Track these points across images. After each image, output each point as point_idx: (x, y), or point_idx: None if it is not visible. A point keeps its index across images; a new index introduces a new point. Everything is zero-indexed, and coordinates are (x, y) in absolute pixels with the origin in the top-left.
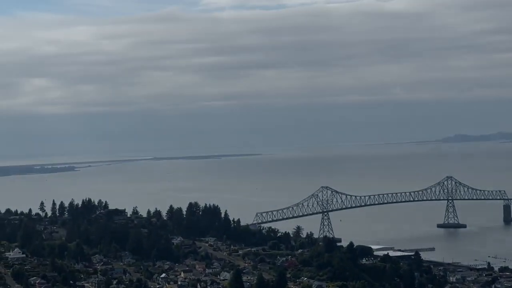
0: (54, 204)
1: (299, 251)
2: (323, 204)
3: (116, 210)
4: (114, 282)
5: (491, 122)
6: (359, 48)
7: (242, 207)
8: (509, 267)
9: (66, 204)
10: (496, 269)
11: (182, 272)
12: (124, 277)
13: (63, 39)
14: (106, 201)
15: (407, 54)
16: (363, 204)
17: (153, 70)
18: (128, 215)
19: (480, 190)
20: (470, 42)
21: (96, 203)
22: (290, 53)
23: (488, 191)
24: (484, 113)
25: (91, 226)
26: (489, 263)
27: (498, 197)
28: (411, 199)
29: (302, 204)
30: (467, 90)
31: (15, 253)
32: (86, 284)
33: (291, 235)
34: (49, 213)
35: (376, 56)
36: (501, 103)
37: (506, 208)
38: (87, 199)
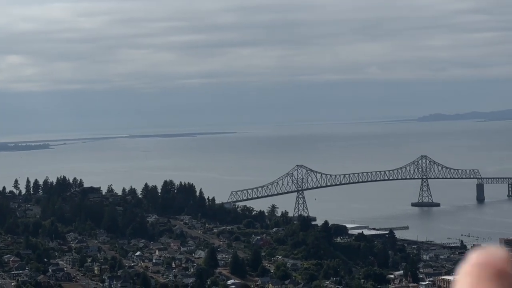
0: (28, 181)
1: (274, 229)
2: (298, 183)
3: (91, 188)
4: (89, 260)
5: (466, 101)
6: (336, 27)
7: (217, 185)
8: (481, 245)
9: (41, 182)
10: (468, 247)
11: (157, 250)
12: (98, 254)
13: (39, 16)
14: (81, 179)
15: (383, 33)
16: (338, 183)
17: (129, 48)
18: (103, 193)
19: (454, 169)
20: (446, 21)
21: (71, 181)
22: (266, 32)
23: (462, 170)
24: (460, 92)
25: (66, 204)
26: (462, 241)
27: (472, 176)
28: (386, 178)
29: (277, 182)
30: (442, 69)
31: None
32: (60, 262)
33: (266, 214)
34: (23, 191)
35: (353, 35)
36: (476, 83)
37: (479, 187)
38: (62, 177)
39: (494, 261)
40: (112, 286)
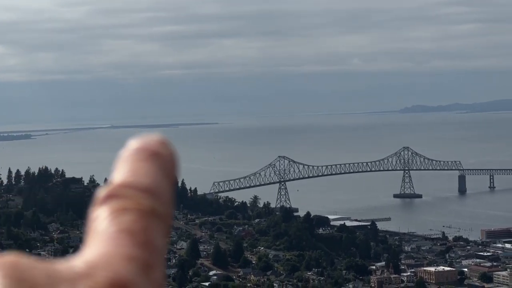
0: (10, 172)
1: (256, 220)
2: (280, 174)
3: (73, 178)
4: (71, 250)
5: (448, 93)
6: (318, 18)
7: (199, 176)
8: (463, 236)
9: (22, 172)
10: (450, 238)
11: None
12: (81, 245)
13: (21, 6)
14: (62, 170)
15: (366, 25)
16: (320, 174)
17: (112, 39)
18: (85, 184)
19: (436, 161)
20: (429, 13)
21: (52, 171)
22: (249, 23)
23: (444, 161)
24: (442, 84)
25: (48, 194)
26: (443, 233)
27: (454, 168)
28: (368, 169)
29: (259, 173)
30: (425, 61)
31: None
32: (42, 253)
33: (248, 205)
34: (5, 181)
35: (335, 26)
36: (459, 75)
37: (461, 178)
38: (44, 167)
39: (149, 145)
40: None
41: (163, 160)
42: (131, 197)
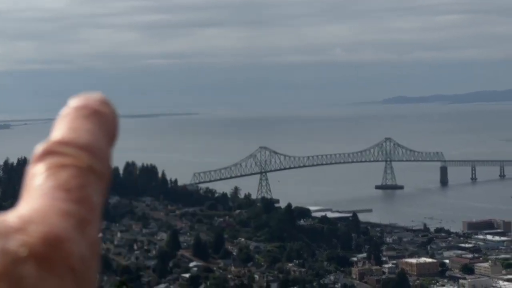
0: None
1: (237, 212)
2: (261, 165)
3: None
4: None
5: (430, 84)
6: (301, 8)
7: (179, 166)
8: (445, 228)
9: (1, 162)
10: (432, 230)
11: (118, 232)
12: None
13: None
14: None
15: (348, 15)
16: (301, 165)
17: (93, 28)
18: None
19: (418, 152)
20: (411, 3)
21: None
22: (231, 12)
23: (426, 152)
24: (424, 75)
25: None
26: (425, 224)
27: (436, 159)
28: (350, 160)
29: (240, 164)
30: (407, 52)
31: None
32: None
33: (229, 196)
34: None
35: (318, 16)
36: (441, 66)
37: (443, 169)
38: (23, 157)
39: (89, 103)
40: None
41: (103, 118)
42: (69, 154)
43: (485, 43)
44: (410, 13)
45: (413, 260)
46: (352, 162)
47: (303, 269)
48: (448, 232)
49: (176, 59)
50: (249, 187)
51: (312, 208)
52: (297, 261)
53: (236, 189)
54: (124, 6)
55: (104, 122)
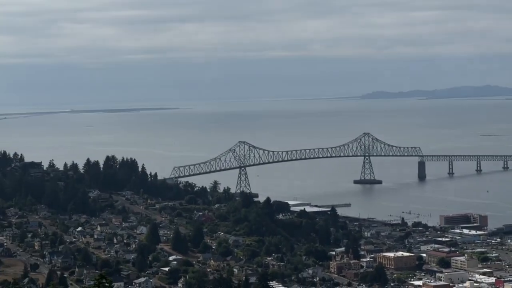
0: None
1: (216, 206)
2: (240, 159)
3: (32, 163)
4: (29, 235)
5: (409, 79)
6: (281, 3)
7: (159, 161)
8: (422, 222)
9: None
10: (409, 224)
11: (98, 226)
12: (39, 230)
13: None
14: (21, 154)
15: (328, 10)
16: (280, 159)
17: (71, 23)
18: (44, 168)
19: (396, 147)
20: None
21: (11, 155)
22: (210, 7)
23: (404, 147)
24: (403, 70)
25: (6, 179)
26: (403, 219)
27: (413, 154)
28: (329, 155)
29: (220, 158)
30: (386, 47)
31: None
32: (0, 237)
33: (208, 190)
34: None
35: (298, 12)
36: (420, 61)
37: (420, 164)
38: (2, 151)
39: None
40: (53, 261)
41: None
42: None
43: (464, 39)
44: (389, 9)
45: (391, 254)
46: (331, 156)
47: (281, 263)
48: (426, 227)
49: (156, 54)
50: (228, 181)
51: (291, 202)
52: (275, 255)
53: (215, 183)
54: (103, 1)
55: None
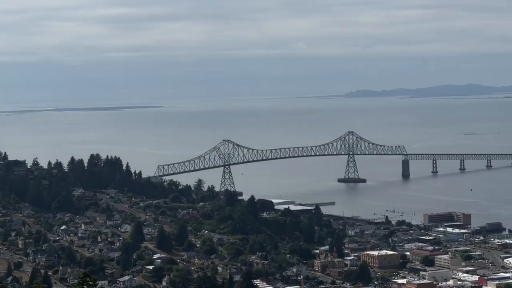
0: None
1: (200, 204)
2: (224, 158)
3: (16, 161)
4: (13, 233)
5: (393, 78)
6: (263, 1)
7: (144, 159)
8: (406, 220)
9: None
10: (393, 222)
11: (82, 224)
12: (23, 228)
13: None
14: (5, 152)
15: (311, 9)
16: (264, 158)
17: (56, 20)
18: (28, 166)
19: (380, 145)
20: None
21: None
22: (195, 6)
23: (388, 146)
24: (387, 69)
25: None
26: (387, 217)
27: (398, 152)
28: (313, 153)
29: (204, 157)
30: (370, 46)
31: None
32: None
33: (193, 188)
34: None
35: (280, 10)
36: (403, 60)
37: (404, 163)
38: None
39: None
40: (37, 260)
41: None
42: None
43: (447, 38)
44: (373, 8)
45: (375, 253)
46: (315, 155)
47: (266, 262)
48: (409, 225)
49: (140, 52)
50: (213, 179)
51: (275, 200)
52: (260, 254)
53: (199, 182)
54: None
55: None
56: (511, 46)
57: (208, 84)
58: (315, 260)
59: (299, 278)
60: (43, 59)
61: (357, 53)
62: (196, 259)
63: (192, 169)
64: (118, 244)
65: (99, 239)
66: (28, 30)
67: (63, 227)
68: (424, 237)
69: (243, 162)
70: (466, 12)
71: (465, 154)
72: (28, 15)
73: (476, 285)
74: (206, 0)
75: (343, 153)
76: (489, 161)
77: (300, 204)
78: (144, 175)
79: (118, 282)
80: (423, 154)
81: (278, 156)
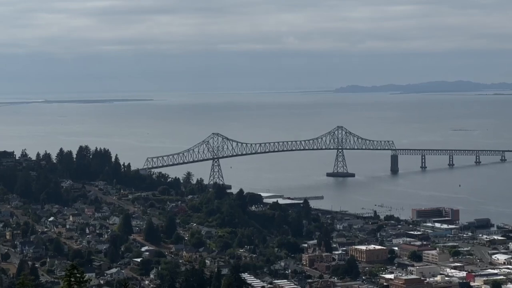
0: None
1: (189, 197)
2: (213, 151)
3: (4, 152)
4: (1, 225)
5: (383, 74)
6: None
7: (133, 151)
8: (394, 215)
9: None
10: (381, 217)
11: (71, 216)
12: (11, 220)
13: None
14: None
15: (302, 3)
16: (253, 151)
17: (46, 13)
18: (17, 158)
19: (369, 140)
20: None
21: None
22: None
23: (377, 141)
24: (377, 65)
25: None
26: (375, 212)
27: (386, 147)
28: (302, 147)
29: (193, 150)
30: (360, 41)
31: None
32: None
33: (181, 181)
34: None
35: (271, 4)
36: (394, 56)
37: (393, 158)
38: None
39: None
40: (24, 251)
41: None
42: None
43: (438, 34)
44: (364, 3)
45: (363, 247)
46: (304, 149)
47: (254, 255)
48: (398, 220)
49: (130, 45)
50: (202, 172)
51: (263, 194)
52: (248, 247)
53: (188, 174)
54: None
55: None
56: (500, 43)
57: (198, 77)
58: (303, 254)
59: (287, 272)
60: (33, 52)
61: (347, 49)
62: (184, 252)
63: (181, 162)
64: (106, 236)
65: (87, 231)
66: (19, 23)
67: (51, 218)
68: (412, 232)
69: (232, 156)
70: (453, 9)
71: (454, 150)
72: (18, 7)
73: (464, 281)
74: None
75: (332, 147)
76: (477, 157)
77: (289, 198)
78: (133, 168)
79: (105, 274)
80: (412, 150)
81: (267, 150)
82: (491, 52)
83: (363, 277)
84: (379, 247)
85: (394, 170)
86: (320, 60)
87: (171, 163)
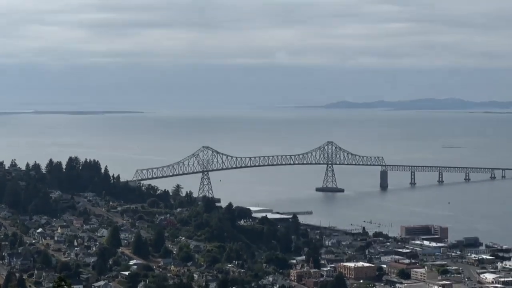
0: None
1: (178, 210)
2: (203, 164)
3: None
4: None
5: (374, 90)
6: (247, 11)
7: (122, 163)
8: (383, 232)
9: None
10: (370, 234)
11: (59, 227)
12: (0, 230)
13: None
14: None
15: (294, 19)
16: (243, 165)
17: (39, 24)
18: (6, 168)
19: (359, 156)
20: (357, 10)
21: None
22: (178, 14)
23: (367, 157)
24: (368, 81)
25: None
26: (364, 228)
27: (376, 163)
28: (292, 162)
29: (183, 163)
30: (351, 58)
31: None
32: None
33: (171, 194)
34: None
35: (264, 20)
36: (385, 72)
37: (383, 174)
38: None
39: None
40: (12, 263)
41: None
42: None
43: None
44: (355, 20)
45: (351, 264)
46: (294, 164)
47: (242, 270)
48: (387, 237)
49: (122, 58)
50: (191, 185)
51: (252, 208)
52: (236, 262)
53: (177, 187)
54: (71, 3)
55: None
56: (491, 61)
57: (189, 91)
58: (291, 270)
59: (275, 287)
60: (24, 63)
61: (338, 65)
62: (173, 266)
63: (171, 174)
64: (94, 248)
65: (75, 243)
66: (10, 34)
67: (40, 230)
68: (400, 250)
69: (222, 169)
70: (445, 27)
71: (444, 167)
72: (10, 18)
73: None
74: (190, 8)
75: (322, 162)
76: (467, 174)
77: (278, 213)
78: (122, 179)
79: (93, 287)
80: (402, 166)
81: (257, 164)
82: (481, 70)
83: None
84: (368, 264)
85: (384, 186)
86: (312, 76)
87: (160, 175)
